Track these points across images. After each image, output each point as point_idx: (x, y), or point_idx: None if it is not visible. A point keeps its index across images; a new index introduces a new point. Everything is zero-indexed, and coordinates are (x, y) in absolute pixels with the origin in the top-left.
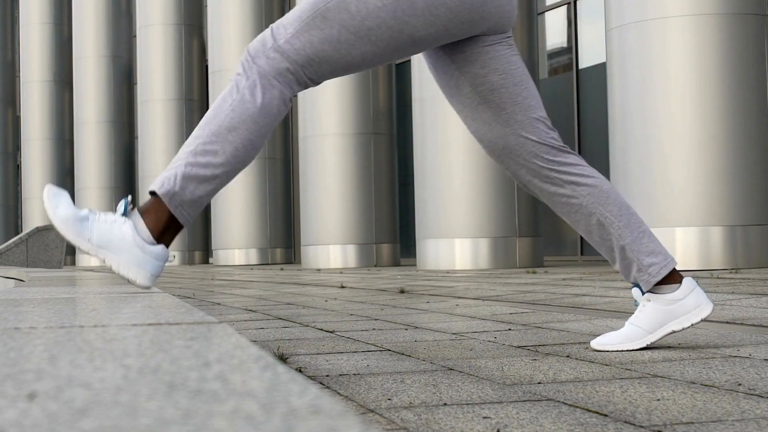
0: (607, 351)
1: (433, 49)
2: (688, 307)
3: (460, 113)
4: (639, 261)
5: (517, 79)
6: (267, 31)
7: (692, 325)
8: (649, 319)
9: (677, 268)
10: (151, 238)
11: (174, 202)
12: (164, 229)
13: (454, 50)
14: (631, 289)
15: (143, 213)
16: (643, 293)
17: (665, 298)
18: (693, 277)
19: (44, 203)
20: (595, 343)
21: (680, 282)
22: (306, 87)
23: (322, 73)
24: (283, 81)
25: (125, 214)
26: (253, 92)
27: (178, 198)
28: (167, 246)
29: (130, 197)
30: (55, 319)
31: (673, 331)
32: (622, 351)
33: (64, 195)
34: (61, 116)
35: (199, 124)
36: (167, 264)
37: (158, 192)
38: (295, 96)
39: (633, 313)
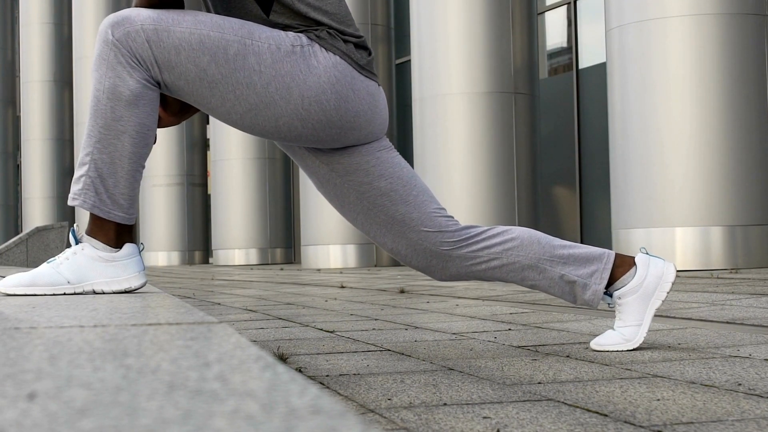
0: (607, 351)
1: (309, 158)
2: (653, 280)
3: (354, 222)
4: (581, 278)
5: (405, 180)
6: None
7: (668, 292)
8: (633, 311)
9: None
10: (112, 249)
11: (103, 212)
12: (117, 236)
13: (332, 161)
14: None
15: (91, 234)
16: (610, 295)
17: (630, 286)
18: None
19: (10, 292)
20: (595, 344)
21: (634, 264)
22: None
23: (173, 90)
24: None
25: (78, 241)
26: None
27: (105, 205)
28: (131, 242)
29: (76, 225)
30: (56, 319)
31: (657, 309)
32: (622, 351)
33: (12, 273)
34: (61, 116)
35: None
36: (140, 251)
37: (87, 210)
38: None
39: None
